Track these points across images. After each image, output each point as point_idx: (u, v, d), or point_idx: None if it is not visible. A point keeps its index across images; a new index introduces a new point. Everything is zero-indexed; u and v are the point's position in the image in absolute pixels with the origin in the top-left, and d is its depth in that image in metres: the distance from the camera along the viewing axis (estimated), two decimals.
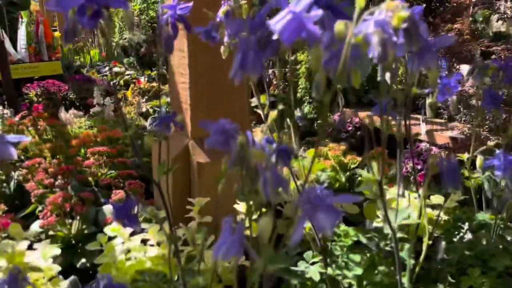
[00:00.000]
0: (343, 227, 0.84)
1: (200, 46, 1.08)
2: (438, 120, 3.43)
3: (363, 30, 0.44)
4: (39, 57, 2.81)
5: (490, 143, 2.10)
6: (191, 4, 0.64)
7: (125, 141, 1.57)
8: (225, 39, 0.83)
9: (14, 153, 0.49)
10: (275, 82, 4.91)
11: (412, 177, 2.79)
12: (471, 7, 3.99)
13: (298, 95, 4.10)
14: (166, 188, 0.95)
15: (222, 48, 0.81)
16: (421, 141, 3.08)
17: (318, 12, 0.39)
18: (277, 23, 0.39)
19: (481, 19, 4.27)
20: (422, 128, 3.17)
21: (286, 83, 4.82)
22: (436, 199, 1.16)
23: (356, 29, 0.44)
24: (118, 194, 1.11)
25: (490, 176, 1.24)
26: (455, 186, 0.50)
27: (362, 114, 3.40)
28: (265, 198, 0.44)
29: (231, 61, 0.51)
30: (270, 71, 5.43)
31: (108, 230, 0.90)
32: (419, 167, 2.72)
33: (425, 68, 0.55)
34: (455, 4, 3.78)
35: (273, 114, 0.55)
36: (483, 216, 1.03)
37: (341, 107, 3.11)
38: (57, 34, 5.00)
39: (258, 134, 0.54)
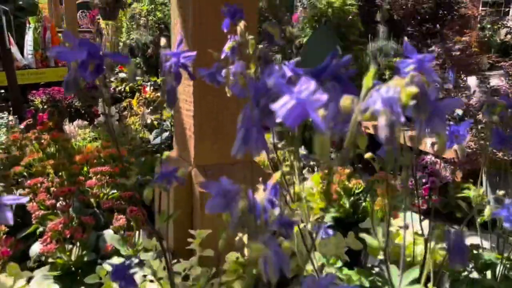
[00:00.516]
0: (345, 270, 0.83)
1: (205, 66, 1.07)
2: None
3: (370, 105, 0.43)
4: (45, 63, 2.81)
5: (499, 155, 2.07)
6: (195, 53, 0.63)
7: (128, 159, 1.57)
8: (231, 77, 0.82)
9: (11, 217, 0.48)
10: None
11: (416, 190, 2.76)
12: (478, 19, 3.95)
13: None
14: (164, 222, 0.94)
15: (226, 88, 0.80)
16: (426, 153, 3.05)
17: (323, 97, 0.37)
18: (281, 108, 0.37)
19: (489, 26, 4.23)
20: (428, 141, 3.14)
21: None
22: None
23: (363, 104, 0.43)
24: (119, 221, 1.10)
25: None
26: (463, 264, 0.48)
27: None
28: (265, 276, 0.43)
29: None
30: None
31: (108, 264, 0.89)
32: (423, 180, 2.69)
33: (434, 133, 0.53)
34: (463, 15, 3.74)
35: (277, 175, 0.53)
36: (489, 255, 1.01)
37: None
38: None
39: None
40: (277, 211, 0.51)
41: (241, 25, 0.84)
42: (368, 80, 0.41)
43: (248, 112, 0.44)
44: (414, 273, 0.61)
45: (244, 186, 0.55)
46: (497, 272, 1.00)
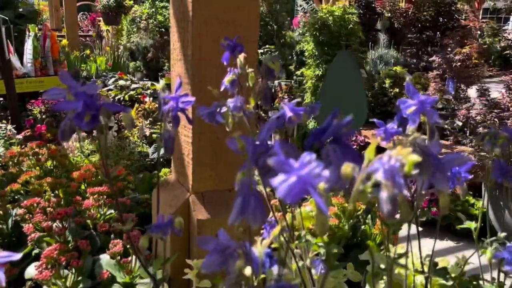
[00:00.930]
0: None
1: (203, 101, 1.06)
2: (444, 142, 3.40)
3: (372, 174, 0.42)
4: (44, 71, 2.80)
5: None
6: (193, 99, 0.62)
7: (126, 178, 1.55)
8: (230, 109, 0.81)
9: (3, 277, 0.47)
10: (280, 95, 4.90)
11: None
12: (478, 30, 3.95)
13: None
14: (164, 247, 0.93)
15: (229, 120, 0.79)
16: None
17: (324, 173, 0.36)
18: (281, 184, 0.36)
19: (489, 39, 4.23)
20: None
21: (292, 97, 4.80)
22: (442, 262, 1.14)
23: (365, 171, 0.42)
24: (116, 246, 1.09)
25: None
26: None
27: (366, 132, 3.37)
28: None
29: None
30: (276, 82, 5.41)
31: None
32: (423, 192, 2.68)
33: (436, 190, 0.52)
34: (464, 26, 3.74)
35: (275, 231, 0.52)
36: (490, 287, 1.00)
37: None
38: (64, 41, 5.02)
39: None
40: (275, 270, 0.50)
41: (241, 58, 0.83)
42: (370, 153, 0.40)
43: (246, 179, 0.43)
44: None
45: (241, 240, 0.54)
46: None
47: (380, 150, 0.37)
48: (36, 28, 2.93)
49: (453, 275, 1.08)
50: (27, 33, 2.82)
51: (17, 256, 0.48)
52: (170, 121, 0.62)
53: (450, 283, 0.91)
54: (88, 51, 5.65)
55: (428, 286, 0.83)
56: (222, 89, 0.86)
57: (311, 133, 0.47)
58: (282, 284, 0.46)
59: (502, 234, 0.77)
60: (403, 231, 0.99)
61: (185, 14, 1.01)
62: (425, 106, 0.67)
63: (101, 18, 6.86)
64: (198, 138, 1.06)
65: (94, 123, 0.53)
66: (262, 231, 0.72)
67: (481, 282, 1.05)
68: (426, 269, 0.81)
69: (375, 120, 0.77)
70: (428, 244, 2.33)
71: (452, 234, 2.42)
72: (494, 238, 0.80)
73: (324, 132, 0.46)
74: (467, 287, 1.00)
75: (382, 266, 0.89)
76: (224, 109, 0.76)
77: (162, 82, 0.66)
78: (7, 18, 2.39)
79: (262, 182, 0.47)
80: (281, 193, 0.36)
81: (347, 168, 0.42)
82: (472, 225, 1.01)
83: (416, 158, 0.42)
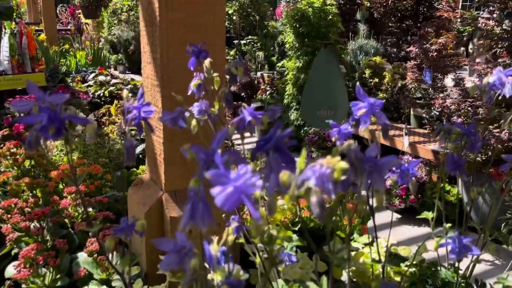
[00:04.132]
0: None
1: (175, 103, 1.10)
2: (421, 131, 3.48)
3: (305, 181, 0.46)
4: (22, 68, 2.78)
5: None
6: (154, 108, 0.66)
7: (104, 176, 1.58)
8: (195, 113, 0.85)
9: None
10: (262, 87, 4.92)
11: (394, 190, 2.84)
12: (455, 21, 4.03)
13: (285, 101, 4.12)
14: (140, 243, 0.97)
15: (192, 124, 0.83)
16: (404, 153, 3.13)
17: (258, 183, 0.41)
18: (219, 194, 0.41)
19: (465, 29, 4.31)
20: (405, 142, 3.21)
21: (274, 88, 4.83)
22: (404, 251, 1.20)
23: (300, 178, 0.47)
24: (93, 244, 1.13)
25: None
26: None
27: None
28: None
29: None
30: (259, 74, 5.43)
31: None
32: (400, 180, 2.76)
33: (373, 188, 0.57)
34: (440, 16, 3.82)
35: (229, 229, 0.57)
36: (446, 273, 1.07)
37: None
38: (42, 36, 4.95)
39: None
40: (226, 267, 0.55)
41: (207, 63, 0.87)
42: (300, 162, 0.44)
43: (195, 187, 0.47)
44: None
45: (199, 239, 0.59)
46: None
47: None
48: (13, 24, 2.90)
49: (414, 262, 1.15)
50: (3, 30, 2.79)
51: None
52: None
53: (405, 268, 0.97)
54: (67, 46, 5.58)
55: (385, 274, 0.89)
56: (189, 93, 0.90)
57: (256, 143, 0.52)
58: (231, 281, 0.51)
59: (447, 225, 0.83)
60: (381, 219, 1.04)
61: (153, 18, 1.04)
62: (374, 108, 0.72)
63: (80, 11, 6.76)
64: (169, 138, 1.09)
65: (59, 134, 0.56)
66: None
67: (439, 268, 1.12)
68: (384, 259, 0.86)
69: (330, 121, 0.82)
70: (406, 232, 2.42)
71: (429, 221, 2.50)
72: (440, 228, 0.85)
73: (267, 143, 0.51)
74: (426, 273, 1.06)
75: (345, 256, 0.95)
76: (187, 114, 0.80)
77: (126, 91, 0.70)
78: None
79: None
80: (219, 202, 0.40)
81: (284, 175, 0.47)
82: (429, 215, 1.08)
83: (344, 165, 0.47)
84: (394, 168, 0.82)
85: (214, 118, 0.87)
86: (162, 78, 1.04)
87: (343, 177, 0.47)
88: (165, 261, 0.54)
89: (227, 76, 0.86)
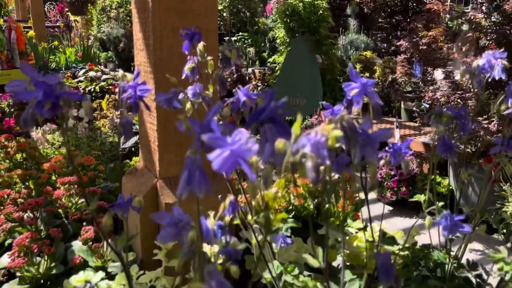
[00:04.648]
0: (302, 278, 0.88)
1: (166, 90, 1.10)
2: (412, 124, 3.51)
3: (301, 148, 0.47)
4: (11, 64, 2.75)
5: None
6: (150, 87, 0.66)
7: (96, 167, 1.58)
8: (190, 96, 0.85)
9: None
10: (254, 83, 4.93)
11: (386, 182, 2.87)
12: (447, 14, 4.07)
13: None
14: (135, 229, 0.97)
15: (187, 106, 0.84)
16: (394, 144, 3.16)
17: (254, 147, 0.42)
18: (216, 158, 0.41)
19: (454, 24, 4.36)
20: (396, 134, 3.24)
21: (266, 84, 4.84)
22: (397, 234, 1.22)
23: (295, 146, 0.47)
24: (87, 232, 1.12)
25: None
26: (389, 281, 0.54)
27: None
28: None
29: None
30: (250, 69, 5.43)
31: (75, 279, 0.92)
32: (392, 172, 2.79)
33: (367, 161, 0.58)
34: (429, 9, 3.85)
35: (226, 203, 0.58)
36: (439, 255, 1.09)
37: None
38: (30, 33, 4.89)
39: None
40: (223, 239, 0.55)
41: (200, 46, 0.87)
42: (296, 128, 0.45)
43: (191, 157, 0.47)
44: (355, 285, 0.66)
45: (196, 213, 0.59)
46: (446, 271, 1.07)
47: None
48: (2, 20, 2.87)
49: (406, 245, 1.17)
50: None
51: None
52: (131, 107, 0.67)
53: (398, 248, 0.98)
54: (56, 42, 5.53)
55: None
56: (183, 76, 0.90)
57: (250, 114, 0.52)
58: (228, 249, 0.51)
59: (440, 203, 0.85)
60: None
61: (145, 5, 1.04)
62: (366, 88, 0.73)
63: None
64: (163, 125, 1.09)
65: (55, 110, 0.57)
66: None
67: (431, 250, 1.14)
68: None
69: (323, 103, 0.83)
70: (398, 223, 2.45)
71: (420, 213, 2.53)
72: (432, 207, 0.87)
73: (262, 113, 0.51)
74: (418, 256, 1.08)
75: (339, 239, 0.96)
76: (181, 96, 0.80)
77: (121, 71, 0.70)
78: None
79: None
80: (216, 166, 0.41)
81: (279, 143, 0.47)
82: (421, 198, 1.10)
83: (338, 133, 0.48)
84: (387, 148, 0.84)
85: (208, 101, 0.87)
86: (155, 64, 1.04)
87: (337, 145, 0.48)
88: (162, 234, 0.55)
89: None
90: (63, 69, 4.14)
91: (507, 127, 1.04)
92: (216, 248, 0.53)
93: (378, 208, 2.45)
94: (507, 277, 0.79)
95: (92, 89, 2.98)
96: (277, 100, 0.54)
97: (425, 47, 3.52)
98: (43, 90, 0.56)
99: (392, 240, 0.95)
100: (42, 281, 1.10)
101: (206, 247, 0.58)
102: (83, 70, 3.48)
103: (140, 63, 1.11)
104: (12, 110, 2.43)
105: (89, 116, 0.62)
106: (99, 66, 3.84)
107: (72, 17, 7.22)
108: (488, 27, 2.77)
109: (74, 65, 4.51)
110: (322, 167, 0.45)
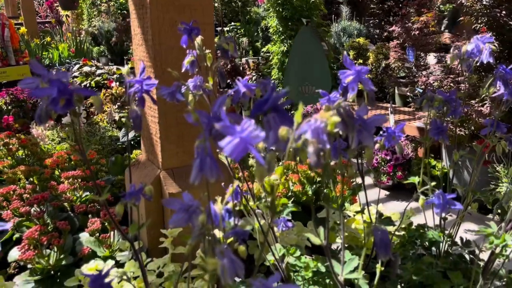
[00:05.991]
0: (303, 259, 0.93)
1: (166, 83, 1.13)
2: (406, 109, 3.56)
3: (302, 134, 0.51)
4: (6, 61, 2.75)
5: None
6: (156, 82, 0.69)
7: (99, 161, 1.61)
8: (191, 88, 0.88)
9: None
10: (248, 73, 4.94)
11: (381, 168, 2.92)
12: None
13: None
14: (141, 219, 1.01)
15: (189, 98, 0.87)
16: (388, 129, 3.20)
17: (261, 134, 0.45)
18: (227, 145, 0.45)
19: (445, 7, 4.39)
20: (391, 119, 3.29)
21: (260, 74, 4.85)
22: (394, 216, 1.27)
23: (297, 132, 0.51)
24: (94, 224, 1.16)
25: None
26: (387, 255, 0.58)
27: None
28: (223, 280, 0.51)
29: None
30: (244, 59, 5.43)
31: (86, 268, 0.95)
32: (388, 157, 2.84)
33: (363, 145, 0.62)
34: None
35: (230, 190, 0.61)
36: (433, 233, 1.14)
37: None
38: (22, 29, 4.86)
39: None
40: (232, 221, 0.59)
41: (198, 40, 0.90)
42: (297, 116, 0.49)
43: (202, 145, 0.51)
44: (354, 262, 0.71)
45: (205, 199, 0.63)
46: (441, 249, 1.12)
47: None
48: None
49: (402, 225, 1.21)
50: None
51: (7, 225, 0.55)
52: (137, 102, 0.70)
53: (394, 228, 1.02)
54: (48, 38, 5.50)
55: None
56: (183, 70, 0.94)
57: (254, 105, 0.56)
58: (236, 230, 0.55)
59: (433, 183, 0.89)
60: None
61: (142, 1, 1.06)
62: (361, 75, 0.77)
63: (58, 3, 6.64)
64: (164, 117, 1.13)
65: (69, 106, 0.59)
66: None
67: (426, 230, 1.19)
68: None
69: (320, 90, 0.87)
70: (394, 207, 2.50)
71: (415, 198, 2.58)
72: (426, 187, 0.91)
73: (265, 103, 0.55)
74: (414, 235, 1.12)
75: (338, 221, 1.00)
76: (184, 88, 0.84)
77: (126, 67, 0.73)
78: None
79: (217, 147, 0.55)
80: (228, 152, 0.44)
81: (282, 131, 0.51)
82: (415, 179, 1.14)
83: (336, 119, 0.51)
84: (381, 132, 0.87)
85: (208, 93, 0.90)
86: (155, 59, 1.07)
87: (335, 130, 0.51)
88: (175, 218, 0.58)
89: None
90: (57, 65, 4.13)
91: (497, 109, 1.08)
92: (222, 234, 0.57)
93: (375, 193, 2.50)
94: (497, 250, 0.83)
95: (88, 84, 2.99)
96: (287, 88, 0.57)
97: (417, 32, 3.55)
98: (57, 87, 0.58)
99: (388, 221, 0.99)
100: (52, 272, 1.14)
101: (215, 231, 0.62)
102: (77, 66, 3.48)
103: (140, 58, 1.14)
104: (9, 107, 2.44)
105: (100, 110, 0.65)
106: (93, 61, 3.84)
107: (62, 12, 7.16)
108: (479, 10, 2.80)
109: (67, 60, 4.50)
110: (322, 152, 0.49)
